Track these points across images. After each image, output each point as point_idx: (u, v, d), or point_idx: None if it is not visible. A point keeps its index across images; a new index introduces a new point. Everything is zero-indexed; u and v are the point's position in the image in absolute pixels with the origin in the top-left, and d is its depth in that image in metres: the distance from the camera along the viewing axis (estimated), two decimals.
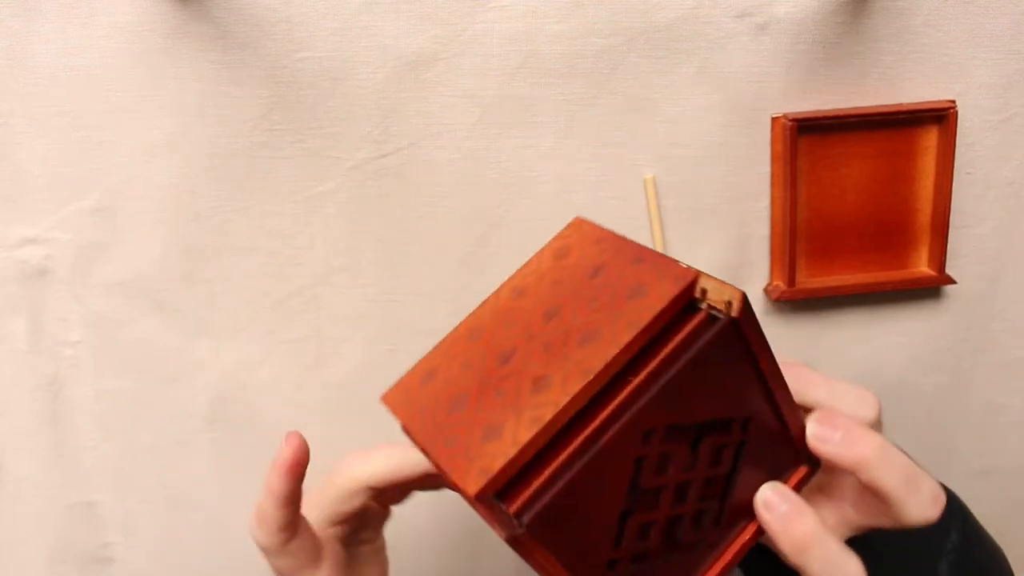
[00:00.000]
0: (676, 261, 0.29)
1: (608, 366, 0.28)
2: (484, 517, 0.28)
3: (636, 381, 0.28)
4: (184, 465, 0.53)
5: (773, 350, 0.30)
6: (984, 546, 0.41)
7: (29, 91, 0.47)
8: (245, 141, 0.48)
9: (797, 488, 0.32)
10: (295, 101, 0.48)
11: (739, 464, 0.32)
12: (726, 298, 0.28)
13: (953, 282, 0.51)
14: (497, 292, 0.34)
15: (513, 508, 0.27)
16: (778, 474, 0.33)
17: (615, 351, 0.28)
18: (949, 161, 0.49)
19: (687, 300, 0.28)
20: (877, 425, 0.33)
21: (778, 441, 0.32)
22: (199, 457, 0.53)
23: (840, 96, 0.49)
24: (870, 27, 0.48)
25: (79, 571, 0.55)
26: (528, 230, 0.50)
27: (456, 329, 0.34)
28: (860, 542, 0.37)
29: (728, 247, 0.51)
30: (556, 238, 0.34)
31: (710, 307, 0.28)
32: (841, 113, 0.48)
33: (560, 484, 0.27)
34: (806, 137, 0.48)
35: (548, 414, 0.28)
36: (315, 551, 0.35)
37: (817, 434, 0.31)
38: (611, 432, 0.28)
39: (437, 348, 0.34)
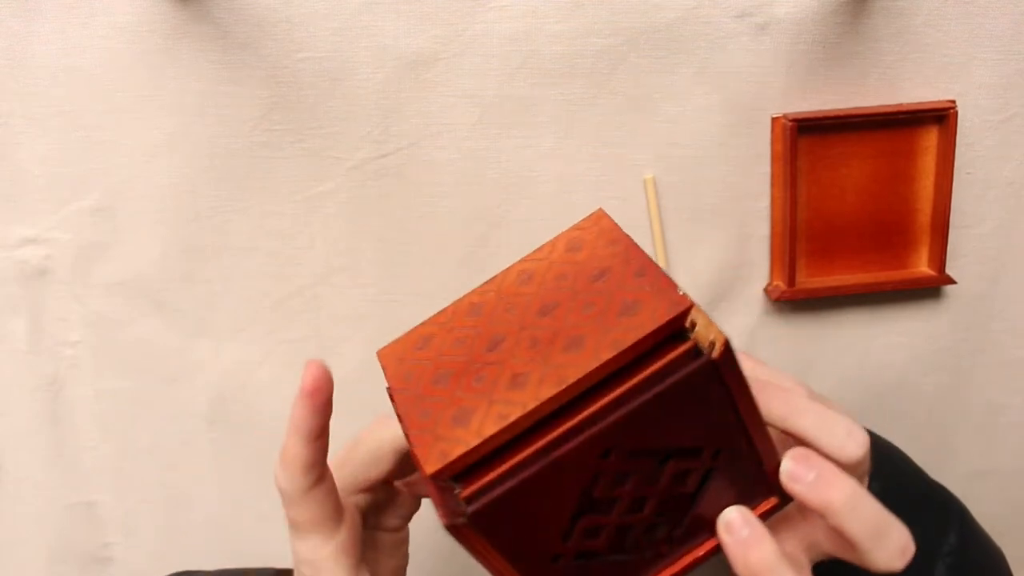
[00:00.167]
0: (674, 285, 0.29)
1: (582, 380, 0.28)
2: (432, 498, 0.29)
3: (606, 400, 0.28)
4: (184, 465, 0.53)
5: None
6: (983, 548, 0.41)
7: (29, 91, 0.47)
8: (245, 141, 0.48)
9: (763, 517, 0.32)
10: (295, 101, 0.48)
11: (705, 487, 0.32)
12: (711, 338, 0.28)
13: (953, 282, 0.51)
14: (507, 271, 0.34)
15: (462, 496, 0.28)
16: (747, 499, 0.32)
17: (592, 367, 0.28)
18: (949, 161, 0.49)
19: (676, 328, 0.28)
20: (863, 463, 0.32)
21: (750, 472, 0.32)
22: (199, 457, 0.53)
23: (840, 96, 0.49)
24: (870, 27, 0.48)
25: (79, 571, 0.55)
26: (528, 230, 0.50)
27: (461, 299, 0.34)
28: None
29: (728, 247, 0.51)
30: (575, 227, 0.34)
31: (696, 341, 0.28)
32: (841, 113, 0.48)
33: (510, 484, 0.28)
34: (806, 137, 0.48)
35: (515, 414, 0.28)
36: (337, 510, 0.33)
37: (791, 472, 0.30)
38: (569, 445, 0.28)
39: (440, 315, 0.34)
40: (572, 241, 0.34)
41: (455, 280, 0.51)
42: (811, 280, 0.51)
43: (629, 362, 0.28)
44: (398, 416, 0.32)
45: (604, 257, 0.32)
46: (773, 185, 0.50)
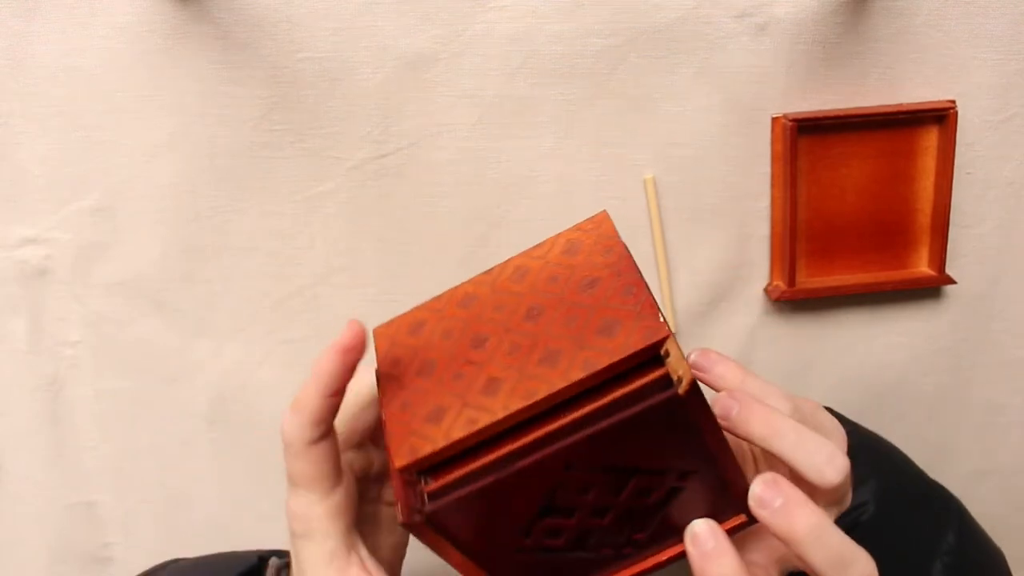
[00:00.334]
0: (657, 311, 0.29)
1: (550, 397, 0.29)
2: (396, 491, 0.30)
3: (571, 417, 0.28)
4: (184, 465, 0.53)
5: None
6: (981, 547, 0.41)
7: (29, 91, 0.47)
8: (245, 141, 0.48)
9: (731, 532, 0.32)
10: (295, 101, 0.48)
11: (669, 501, 0.32)
12: (680, 373, 0.28)
13: (953, 282, 0.51)
14: (506, 264, 0.35)
15: (426, 490, 0.29)
16: (717, 512, 0.33)
17: (560, 386, 0.29)
18: (949, 161, 0.49)
19: (650, 355, 0.29)
20: (842, 487, 0.32)
21: (716, 493, 0.32)
22: (199, 457, 0.53)
23: (840, 96, 0.49)
24: (870, 27, 0.48)
25: (79, 571, 0.55)
26: (528, 230, 0.50)
27: (458, 288, 0.35)
28: (853, 539, 0.37)
29: (728, 247, 0.51)
30: (576, 228, 0.35)
31: (668, 370, 0.28)
32: (841, 113, 0.48)
33: (470, 488, 0.29)
34: (806, 137, 0.48)
35: (483, 421, 0.29)
36: (336, 470, 0.33)
37: (759, 496, 0.30)
38: (532, 457, 0.28)
39: (436, 300, 0.35)
40: (571, 243, 0.34)
41: (455, 280, 0.50)
42: (811, 280, 0.51)
43: (600, 382, 0.29)
44: (380, 400, 0.33)
45: (597, 266, 0.32)
46: (773, 185, 0.50)
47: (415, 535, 0.30)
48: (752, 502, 0.31)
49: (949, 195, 0.49)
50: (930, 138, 0.49)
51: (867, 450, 0.41)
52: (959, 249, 0.51)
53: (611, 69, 0.48)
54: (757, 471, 0.36)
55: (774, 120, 0.49)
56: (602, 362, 0.28)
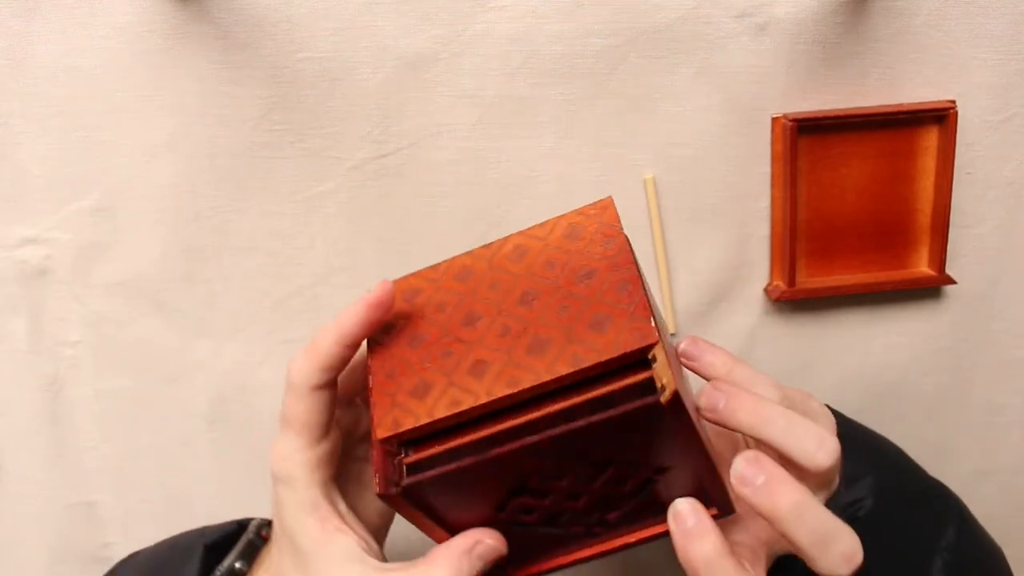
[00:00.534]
0: (649, 314, 0.29)
1: (534, 388, 0.29)
2: (374, 462, 0.30)
3: (553, 409, 0.29)
4: (184, 465, 0.53)
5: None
6: (981, 545, 0.41)
7: (29, 91, 0.47)
8: (245, 141, 0.48)
9: None
10: (295, 101, 0.48)
11: (644, 491, 0.32)
12: (664, 381, 0.28)
13: (953, 282, 0.51)
14: (506, 240, 0.35)
15: (405, 462, 0.30)
16: (694, 496, 0.33)
17: (547, 378, 0.29)
18: (949, 161, 0.49)
19: (637, 357, 0.29)
20: (832, 471, 0.32)
21: (692, 485, 0.32)
22: (199, 457, 0.53)
23: (840, 96, 0.49)
24: (870, 27, 0.48)
25: (79, 571, 0.55)
26: None
27: (456, 258, 0.35)
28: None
29: (728, 247, 0.51)
30: (580, 212, 0.34)
31: (652, 375, 0.28)
32: (841, 113, 0.48)
33: (445, 467, 0.29)
34: (806, 137, 0.48)
35: (466, 404, 0.29)
36: (329, 423, 0.34)
37: (741, 475, 0.30)
38: (510, 445, 0.29)
39: (434, 269, 0.35)
40: (573, 227, 0.34)
41: None
42: (811, 280, 0.51)
43: (585, 378, 0.29)
44: (368, 364, 0.33)
45: (596, 256, 0.32)
46: (773, 185, 0.50)
47: (390, 506, 0.31)
48: (734, 480, 0.31)
49: (949, 195, 0.49)
50: (930, 138, 0.49)
51: (864, 447, 0.41)
52: (959, 249, 0.51)
53: (611, 69, 0.48)
54: None
55: (774, 120, 0.49)
56: (589, 359, 0.29)
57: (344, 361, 0.33)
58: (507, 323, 0.31)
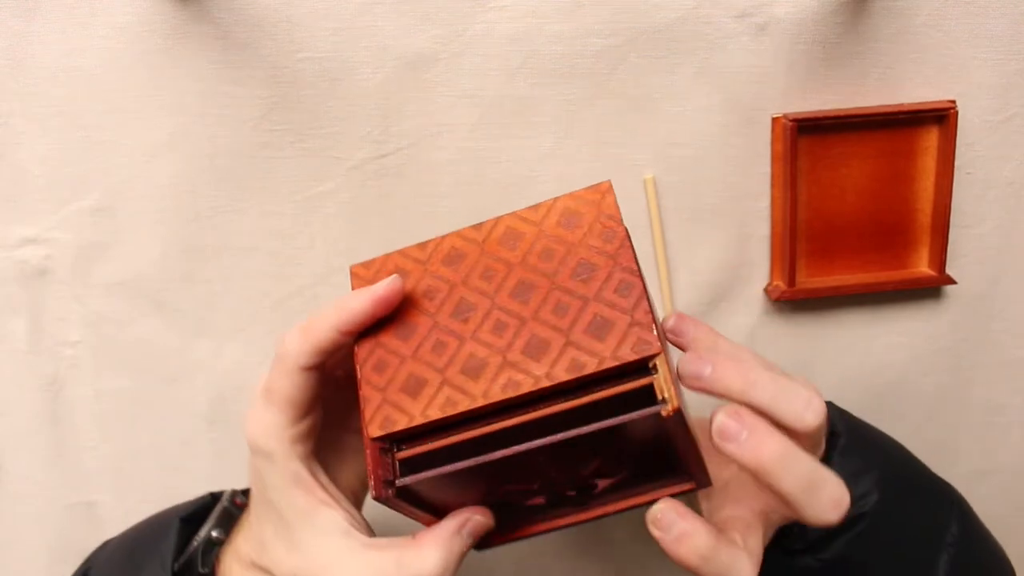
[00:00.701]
0: (652, 321, 0.28)
1: (531, 393, 0.29)
2: (368, 461, 0.30)
3: (551, 410, 0.28)
4: (184, 465, 0.53)
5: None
6: (984, 541, 0.42)
7: (29, 91, 0.47)
8: (245, 141, 0.48)
9: (678, 495, 0.33)
10: (295, 101, 0.48)
11: (623, 479, 0.32)
12: (665, 394, 0.28)
13: (953, 282, 0.51)
14: (498, 221, 0.34)
15: (398, 457, 0.30)
16: (665, 483, 0.33)
17: (546, 384, 0.28)
18: (949, 161, 0.49)
19: (638, 366, 0.28)
20: (819, 432, 0.32)
21: (675, 465, 0.32)
22: (199, 457, 0.53)
23: (840, 96, 0.49)
24: (870, 27, 0.48)
25: None
26: None
27: (444, 238, 0.34)
28: (861, 535, 0.37)
29: (728, 247, 0.51)
30: (575, 196, 0.33)
31: (653, 384, 0.28)
32: (841, 113, 0.48)
33: (440, 469, 0.29)
34: (806, 137, 0.48)
35: (462, 406, 0.29)
36: (313, 403, 0.34)
37: (723, 430, 0.30)
38: (505, 452, 0.28)
39: (421, 248, 0.34)
40: (569, 213, 0.32)
41: None
42: (811, 280, 0.51)
43: (582, 384, 0.29)
44: (355, 359, 0.32)
45: (595, 250, 0.31)
46: (773, 185, 0.50)
47: (386, 506, 0.30)
48: (716, 436, 0.30)
49: (949, 195, 0.49)
50: (930, 138, 0.49)
51: (869, 442, 0.41)
52: (959, 249, 0.51)
53: (611, 69, 0.48)
54: None
55: (774, 120, 0.49)
56: (589, 367, 0.28)
57: (338, 347, 0.33)
58: (501, 318, 0.30)
